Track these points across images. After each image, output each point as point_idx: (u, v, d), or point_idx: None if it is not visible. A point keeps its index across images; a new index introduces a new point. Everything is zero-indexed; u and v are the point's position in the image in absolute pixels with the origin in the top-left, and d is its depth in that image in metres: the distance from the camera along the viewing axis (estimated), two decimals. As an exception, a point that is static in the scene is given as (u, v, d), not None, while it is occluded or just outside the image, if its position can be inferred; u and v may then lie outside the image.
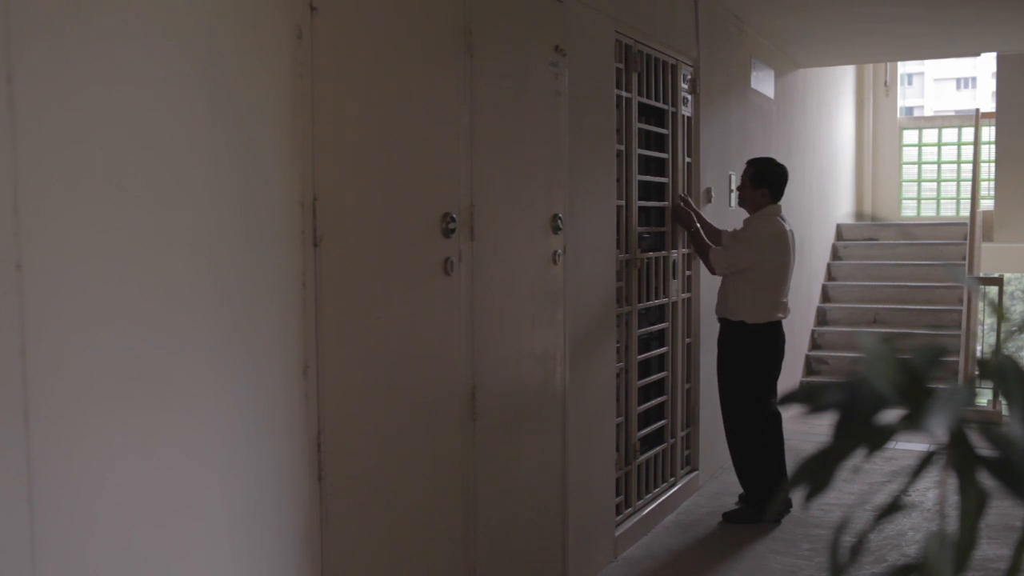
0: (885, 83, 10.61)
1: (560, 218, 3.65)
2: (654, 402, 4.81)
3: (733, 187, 5.80)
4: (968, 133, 10.30)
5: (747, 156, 6.19)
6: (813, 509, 4.67)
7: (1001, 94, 9.39)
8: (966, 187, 10.25)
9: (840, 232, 9.34)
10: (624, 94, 4.34)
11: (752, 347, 4.75)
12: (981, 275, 8.61)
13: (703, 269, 5.26)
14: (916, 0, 5.66)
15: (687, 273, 5.18)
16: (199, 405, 2.10)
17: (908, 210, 10.74)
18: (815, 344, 8.31)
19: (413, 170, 2.81)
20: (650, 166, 4.74)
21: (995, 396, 6.84)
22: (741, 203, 4.92)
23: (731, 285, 4.81)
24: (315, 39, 2.38)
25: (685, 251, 5.12)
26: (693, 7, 5.17)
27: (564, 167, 3.70)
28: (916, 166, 10.74)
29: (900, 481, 0.89)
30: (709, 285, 5.38)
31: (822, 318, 8.56)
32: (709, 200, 5.40)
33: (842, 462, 0.83)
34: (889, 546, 4.28)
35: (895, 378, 0.82)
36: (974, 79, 35.53)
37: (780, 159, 7.11)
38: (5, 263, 1.69)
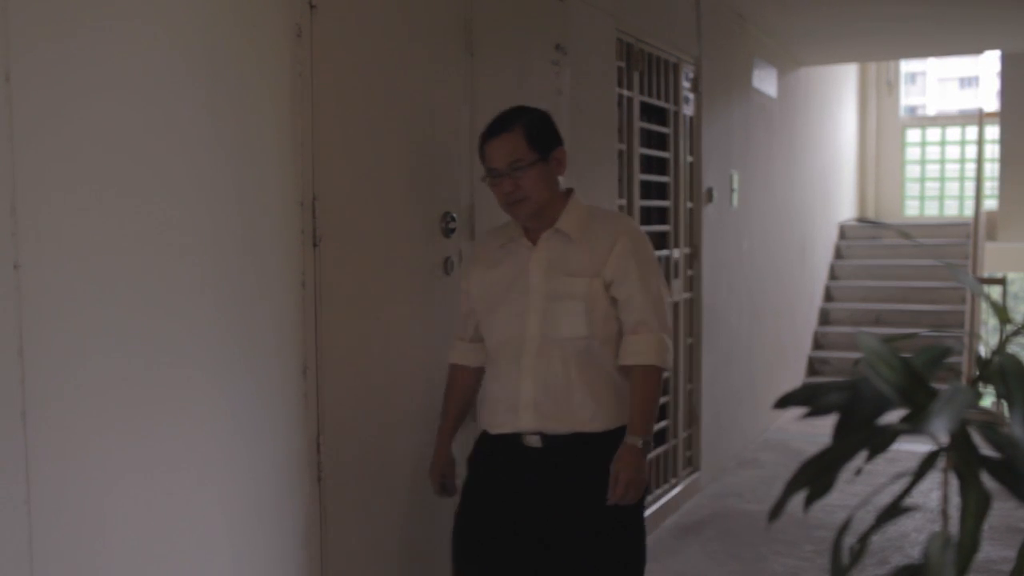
0: (888, 82, 10.60)
1: (561, 218, 3.64)
2: (656, 402, 4.79)
3: (735, 186, 5.79)
4: (971, 132, 10.28)
5: (749, 156, 6.18)
6: (815, 511, 4.65)
7: (1005, 93, 9.37)
8: (969, 186, 10.24)
9: (843, 231, 9.33)
10: (625, 93, 4.33)
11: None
12: (984, 275, 8.59)
13: (704, 267, 5.25)
14: (919, -1, 5.65)
15: (688, 273, 5.17)
16: (198, 405, 2.09)
17: (911, 209, 10.73)
18: (817, 344, 8.30)
19: (413, 170, 2.81)
20: (651, 165, 4.73)
21: (997, 397, 6.81)
22: (530, 209, 2.47)
23: (595, 362, 2.46)
24: (315, 38, 2.38)
25: (687, 251, 5.11)
26: (695, 5, 5.16)
27: (565, 166, 3.69)
28: (919, 165, 10.73)
29: (902, 483, 0.88)
30: (711, 285, 5.36)
31: (825, 318, 8.54)
32: (710, 200, 5.37)
33: (844, 464, 0.82)
34: (892, 548, 4.27)
35: (897, 379, 0.81)
36: (977, 78, 35.48)
37: (783, 158, 7.16)
38: (3, 263, 1.68)
